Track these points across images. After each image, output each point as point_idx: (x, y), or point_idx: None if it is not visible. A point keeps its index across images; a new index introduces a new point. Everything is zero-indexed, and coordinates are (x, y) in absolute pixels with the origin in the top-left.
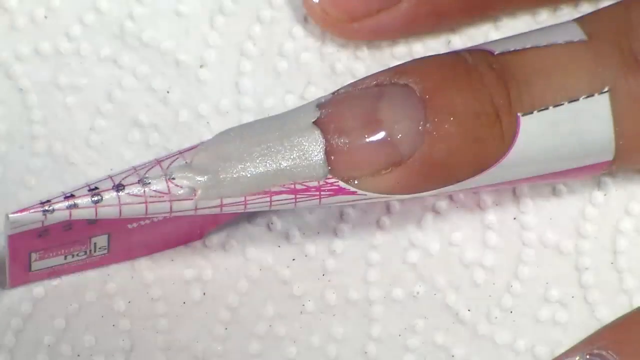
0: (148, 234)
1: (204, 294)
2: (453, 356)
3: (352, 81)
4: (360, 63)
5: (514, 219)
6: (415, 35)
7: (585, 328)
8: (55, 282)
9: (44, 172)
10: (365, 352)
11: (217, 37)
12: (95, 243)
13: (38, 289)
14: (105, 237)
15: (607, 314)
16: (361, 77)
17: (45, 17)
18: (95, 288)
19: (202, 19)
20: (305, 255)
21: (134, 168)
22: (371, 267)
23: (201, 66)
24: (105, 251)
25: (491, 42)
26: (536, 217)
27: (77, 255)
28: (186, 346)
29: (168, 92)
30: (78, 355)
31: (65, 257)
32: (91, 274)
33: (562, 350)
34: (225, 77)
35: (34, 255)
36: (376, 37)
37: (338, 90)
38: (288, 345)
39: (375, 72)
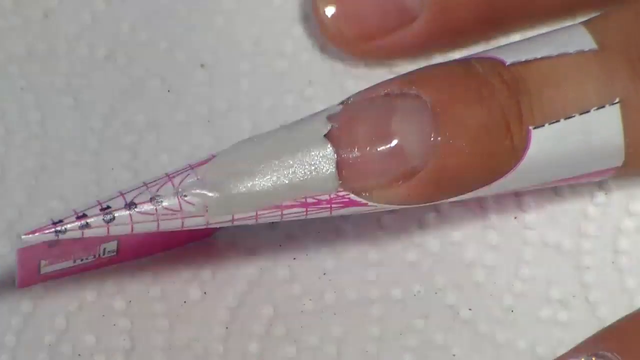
0: (155, 233)
1: (204, 293)
2: (454, 355)
3: (358, 87)
4: (361, 63)
5: (515, 218)
6: (430, 54)
7: (586, 327)
8: (55, 281)
9: (41, 173)
10: (366, 352)
11: (216, 37)
12: (104, 248)
13: (38, 288)
14: (114, 242)
15: (608, 314)
16: (361, 78)
17: (45, 16)
18: (96, 287)
19: (201, 19)
20: (306, 255)
21: (145, 184)
22: (371, 267)
23: (201, 66)
24: (114, 253)
25: (501, 48)
26: (537, 217)
27: (86, 259)
28: (186, 346)
29: (169, 91)
30: (79, 355)
31: (74, 261)
32: (91, 274)
33: (563, 349)
34: (224, 77)
35: (43, 262)
36: (391, 56)
37: (347, 99)
38: (288, 344)
39: (385, 80)
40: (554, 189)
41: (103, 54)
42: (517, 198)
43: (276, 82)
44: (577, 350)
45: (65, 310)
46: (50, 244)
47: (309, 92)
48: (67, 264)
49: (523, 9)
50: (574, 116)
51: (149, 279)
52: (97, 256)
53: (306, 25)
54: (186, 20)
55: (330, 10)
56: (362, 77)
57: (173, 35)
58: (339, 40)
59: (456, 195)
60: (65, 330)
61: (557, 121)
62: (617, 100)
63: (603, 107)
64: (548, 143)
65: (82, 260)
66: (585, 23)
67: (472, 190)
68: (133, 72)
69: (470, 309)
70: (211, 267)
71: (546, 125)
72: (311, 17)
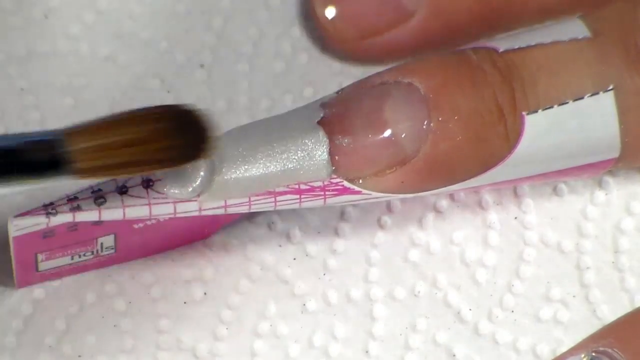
0: (155, 233)
1: (205, 293)
2: (454, 355)
3: (354, 81)
4: (360, 63)
5: (515, 218)
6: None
7: (586, 327)
8: (55, 283)
9: None
10: (367, 351)
11: (215, 38)
12: (101, 243)
13: (39, 290)
14: (111, 237)
15: (609, 313)
16: (359, 77)
17: (45, 16)
18: (96, 288)
19: (200, 19)
20: (306, 255)
21: None
22: (372, 266)
23: (201, 66)
24: (113, 251)
25: (496, 39)
26: (537, 217)
27: (84, 255)
28: (187, 346)
29: (169, 91)
30: (79, 356)
31: (72, 257)
32: (91, 275)
33: (563, 349)
34: (223, 77)
35: (40, 256)
36: (389, 54)
37: (342, 89)
38: (289, 344)
39: (380, 70)
40: (554, 189)
41: (103, 54)
42: (517, 198)
43: (275, 83)
44: (578, 347)
45: (65, 311)
46: (45, 234)
47: (308, 93)
48: (65, 260)
49: (519, 6)
50: (567, 102)
51: (150, 280)
52: (95, 253)
53: (305, 26)
54: (186, 20)
55: (328, 10)
56: (360, 77)
57: (173, 35)
58: (338, 40)
59: (451, 184)
60: (66, 332)
61: (551, 107)
62: (611, 87)
63: (597, 93)
64: (542, 129)
65: (80, 257)
66: (581, 16)
67: (467, 179)
68: (133, 72)
69: (471, 309)
70: (211, 267)
71: (540, 111)
72: (309, 17)
